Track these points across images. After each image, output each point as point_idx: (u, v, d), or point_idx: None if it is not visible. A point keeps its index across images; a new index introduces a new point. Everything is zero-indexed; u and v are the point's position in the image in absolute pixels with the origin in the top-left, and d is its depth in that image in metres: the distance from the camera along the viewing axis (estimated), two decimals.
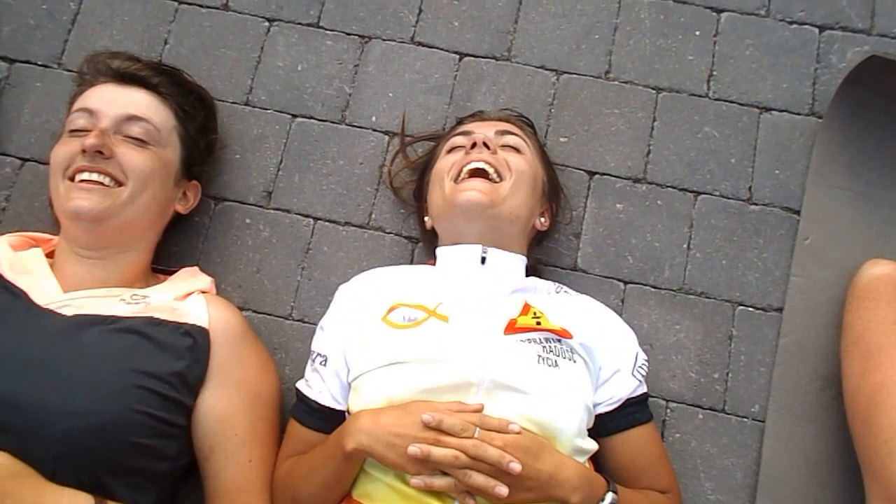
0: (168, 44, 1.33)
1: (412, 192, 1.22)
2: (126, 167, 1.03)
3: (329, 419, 1.01)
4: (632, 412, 1.01)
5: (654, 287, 1.18)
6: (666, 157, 1.24)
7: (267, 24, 1.34)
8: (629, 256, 1.20)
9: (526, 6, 1.33)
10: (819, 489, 1.08)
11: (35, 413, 0.85)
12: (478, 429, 0.86)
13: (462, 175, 1.04)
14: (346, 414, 1.01)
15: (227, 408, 1.00)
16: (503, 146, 1.09)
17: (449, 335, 0.97)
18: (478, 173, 1.04)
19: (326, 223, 1.24)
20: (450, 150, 1.12)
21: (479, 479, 0.84)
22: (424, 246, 1.21)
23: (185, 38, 1.33)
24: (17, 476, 0.82)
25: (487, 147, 1.05)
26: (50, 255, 1.08)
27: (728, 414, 1.13)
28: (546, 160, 1.16)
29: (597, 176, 1.24)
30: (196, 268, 1.16)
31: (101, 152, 1.01)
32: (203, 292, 1.08)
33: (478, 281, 1.03)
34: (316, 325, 1.16)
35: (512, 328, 0.98)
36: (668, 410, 1.14)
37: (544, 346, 0.96)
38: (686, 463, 1.11)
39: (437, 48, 1.32)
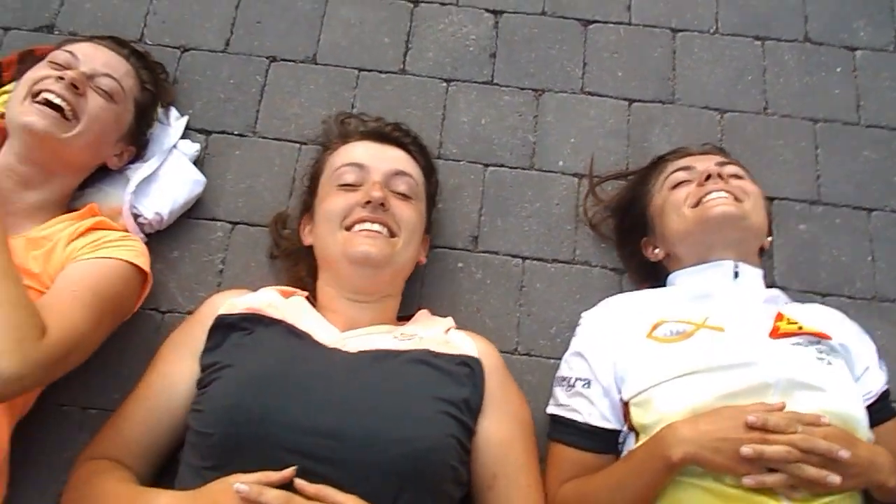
0: (355, 107, 1.42)
1: (617, 231, 1.30)
2: (399, 219, 1.11)
3: (603, 439, 1.07)
4: (884, 406, 1.07)
5: (850, 297, 1.28)
6: (834, 179, 1.37)
7: (445, 84, 1.45)
8: (821, 271, 1.30)
9: (680, 55, 1.47)
10: None
11: (362, 443, 0.90)
12: (801, 427, 0.91)
13: (703, 201, 1.13)
14: (625, 430, 1.06)
15: (505, 435, 1.04)
16: (729, 175, 1.16)
17: (730, 342, 1.04)
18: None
19: (534, 261, 1.31)
20: (674, 186, 1.19)
21: (811, 471, 0.89)
22: (633, 278, 1.29)
23: (370, 101, 1.42)
24: None
25: (720, 177, 1.14)
26: None
27: None
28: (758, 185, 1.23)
29: (776, 201, 1.35)
30: (427, 310, 1.21)
31: (382, 204, 1.08)
32: (454, 328, 1.14)
33: (734, 293, 1.11)
34: (541, 357, 1.24)
35: (776, 333, 1.05)
36: None
37: (816, 348, 1.04)
38: None
39: (607, 96, 1.44)
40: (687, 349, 1.04)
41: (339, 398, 0.94)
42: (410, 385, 0.99)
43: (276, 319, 1.06)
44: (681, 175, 1.19)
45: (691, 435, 0.93)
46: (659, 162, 1.27)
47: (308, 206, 1.21)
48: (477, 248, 1.32)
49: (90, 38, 1.26)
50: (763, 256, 1.23)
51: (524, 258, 1.31)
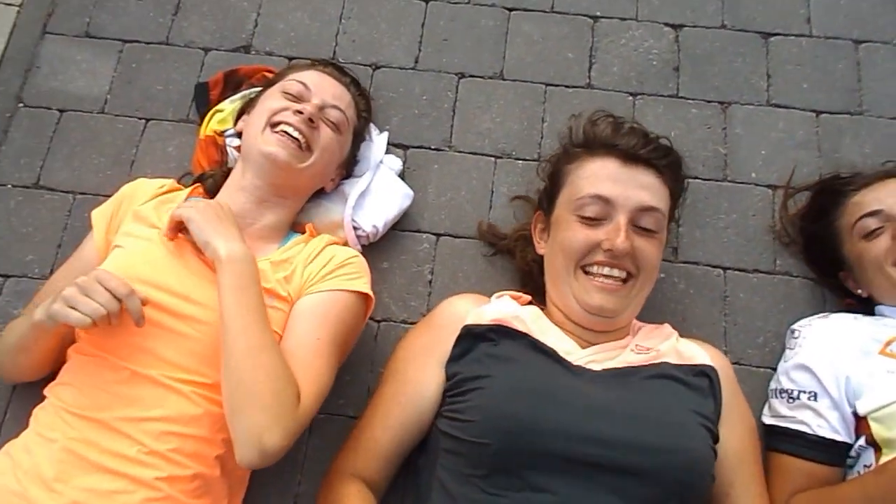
0: (545, 122, 1.46)
1: (810, 262, 1.32)
2: (640, 260, 1.06)
3: (833, 451, 1.09)
4: None
5: None
6: None
7: (631, 98, 1.48)
8: None
9: (865, 66, 1.49)
10: None
11: (635, 449, 0.94)
12: None
13: None
14: (860, 444, 1.08)
15: (740, 444, 1.07)
16: None
17: None
18: None
19: (736, 272, 1.34)
20: (867, 236, 1.18)
21: None
22: (836, 293, 1.31)
23: (559, 115, 1.46)
24: None
25: None
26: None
27: None
28: None
29: None
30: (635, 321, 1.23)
31: (627, 253, 1.04)
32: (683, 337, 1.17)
33: None
34: (750, 366, 1.26)
35: None
36: None
37: None
38: None
39: (794, 108, 1.46)
40: None
41: (602, 408, 0.97)
42: (666, 397, 1.02)
43: (521, 332, 1.08)
44: (871, 223, 1.18)
45: None
46: (838, 195, 1.26)
47: (542, 208, 1.20)
48: (678, 259, 1.36)
49: (314, 65, 1.32)
50: None
51: (725, 268, 1.35)
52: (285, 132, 1.18)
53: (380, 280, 1.34)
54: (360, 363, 1.26)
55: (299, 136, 1.18)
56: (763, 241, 1.36)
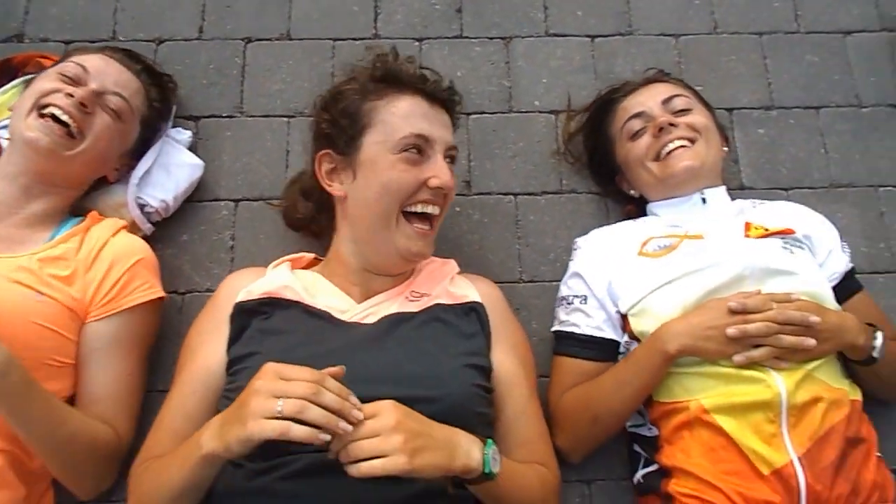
0: (334, 76, 1.47)
1: (592, 171, 1.40)
2: (449, 198, 1.13)
3: (600, 348, 1.18)
4: (849, 283, 1.21)
5: (811, 188, 1.42)
6: (784, 85, 1.49)
7: (417, 43, 1.52)
8: (782, 168, 1.43)
9: None
10: None
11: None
12: (774, 304, 1.04)
13: (662, 155, 1.23)
14: (626, 339, 1.17)
15: (511, 367, 1.10)
16: (676, 113, 1.25)
17: (708, 245, 1.16)
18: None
19: (526, 196, 1.41)
20: (632, 137, 1.27)
21: (789, 338, 1.02)
22: (618, 200, 1.40)
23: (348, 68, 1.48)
24: None
25: (672, 125, 1.22)
26: (307, 266, 1.20)
27: None
28: (701, 97, 1.34)
29: (735, 111, 1.47)
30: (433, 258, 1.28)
31: (441, 188, 1.07)
32: (456, 274, 1.21)
33: (706, 215, 1.23)
34: (544, 281, 1.34)
35: (747, 236, 1.18)
36: None
37: (781, 241, 1.17)
38: None
39: (571, 35, 1.53)
40: (674, 258, 1.16)
41: (364, 371, 0.95)
42: (429, 347, 1.03)
43: (293, 301, 1.08)
44: (636, 124, 1.27)
45: (684, 329, 1.05)
46: (610, 104, 1.34)
47: (335, 148, 1.12)
48: (471, 192, 1.41)
49: (102, 50, 1.26)
50: (724, 164, 1.34)
51: (516, 194, 1.41)
52: (53, 116, 1.13)
53: (180, 253, 1.34)
54: (166, 337, 1.26)
55: (69, 121, 1.13)
56: (549, 165, 1.43)
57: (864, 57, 1.51)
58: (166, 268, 1.27)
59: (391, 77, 1.11)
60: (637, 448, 1.16)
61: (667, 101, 1.27)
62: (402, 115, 1.08)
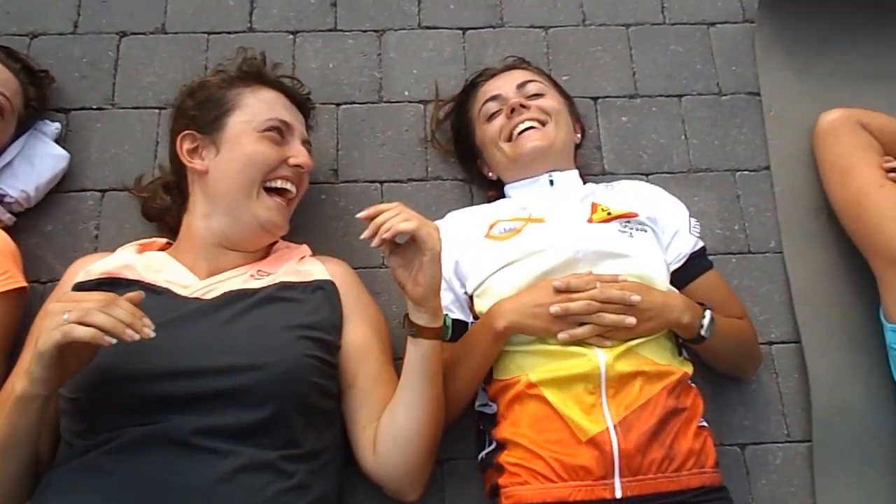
0: (207, 69, 1.49)
1: (457, 155, 1.43)
2: (303, 186, 1.24)
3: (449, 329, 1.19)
4: (697, 262, 1.25)
5: (670, 173, 1.46)
6: (648, 74, 1.54)
7: (292, 36, 1.54)
8: (643, 154, 1.47)
9: None
10: (837, 289, 1.36)
11: (236, 373, 0.97)
12: (598, 283, 1.08)
13: (514, 136, 1.26)
14: (472, 321, 1.20)
15: (364, 340, 1.14)
16: (529, 96, 1.30)
17: (549, 228, 1.20)
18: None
19: (392, 183, 1.43)
20: (489, 119, 1.31)
21: (610, 316, 1.06)
22: (481, 186, 1.42)
23: (222, 60, 1.49)
24: None
25: (523, 106, 1.27)
26: (160, 249, 1.22)
27: (753, 253, 1.41)
28: (558, 86, 1.39)
29: (600, 99, 1.51)
30: (284, 242, 1.28)
31: (300, 166, 1.19)
32: (308, 255, 1.24)
33: (552, 198, 1.26)
34: None
35: (590, 221, 1.21)
36: None
37: (621, 225, 1.20)
38: None
39: (443, 28, 1.56)
40: (517, 241, 1.19)
41: (195, 342, 1.00)
42: (264, 319, 1.06)
43: (132, 280, 1.09)
44: (491, 106, 1.31)
45: (512, 307, 1.09)
46: (472, 88, 1.39)
47: (198, 128, 1.18)
48: (338, 180, 1.43)
49: None
50: (578, 151, 1.39)
51: (382, 182, 1.43)
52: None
53: (44, 243, 1.35)
54: (27, 329, 1.25)
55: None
56: (416, 153, 1.46)
57: (726, 47, 1.56)
58: (29, 258, 1.28)
59: (257, 73, 1.25)
60: (482, 426, 1.18)
61: (521, 86, 1.31)
62: (267, 102, 1.20)
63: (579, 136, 1.37)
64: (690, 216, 1.30)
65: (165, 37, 1.52)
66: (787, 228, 1.41)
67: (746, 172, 1.46)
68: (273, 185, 1.17)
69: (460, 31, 1.56)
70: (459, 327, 1.20)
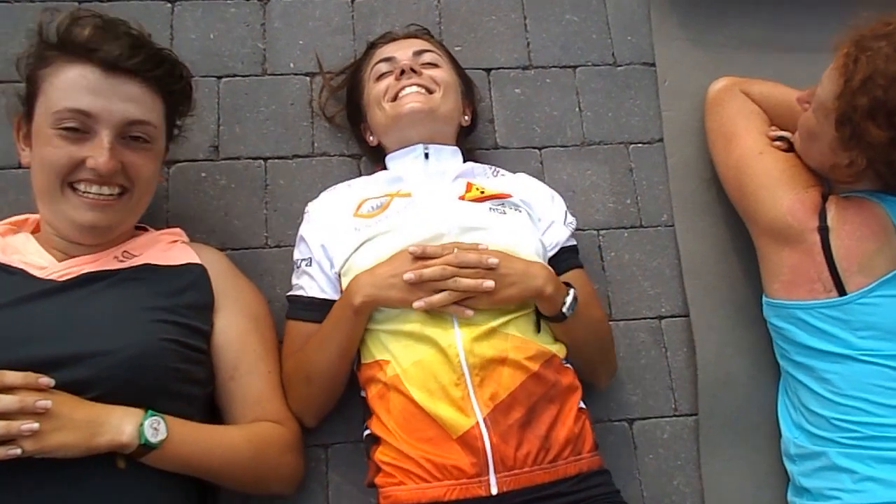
0: None
1: (346, 119, 1.38)
2: (132, 174, 1.04)
3: (323, 310, 1.14)
4: (567, 258, 1.21)
5: (563, 146, 1.43)
6: (542, 45, 1.50)
7: (170, 5, 1.46)
8: (536, 127, 1.44)
9: None
10: (726, 263, 1.36)
11: (77, 363, 0.91)
12: (456, 249, 1.04)
13: (399, 97, 1.21)
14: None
15: (240, 329, 1.10)
16: (423, 64, 1.25)
17: (415, 202, 1.16)
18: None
19: (276, 160, 1.37)
20: (378, 78, 1.26)
21: (467, 280, 1.01)
22: (369, 159, 1.38)
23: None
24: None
25: (414, 71, 1.22)
26: (34, 230, 1.13)
27: (645, 227, 1.39)
28: (457, 65, 1.35)
29: (493, 71, 1.47)
30: (153, 230, 1.21)
31: (112, 171, 1.00)
32: (181, 241, 1.18)
33: (425, 171, 1.22)
34: (290, 246, 1.31)
35: (462, 198, 1.17)
36: (601, 237, 1.38)
37: (493, 203, 1.17)
38: (625, 272, 1.36)
39: None
40: (382, 217, 1.15)
41: (42, 328, 0.94)
42: (118, 303, 1.00)
43: None
44: (382, 67, 1.26)
45: (368, 280, 1.04)
46: (369, 49, 1.35)
47: (24, 113, 1.07)
48: (219, 157, 1.37)
49: None
50: (465, 133, 1.34)
51: (265, 158, 1.37)
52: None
53: None
54: None
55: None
56: (302, 128, 1.40)
57: (621, 16, 1.53)
58: None
59: (62, 44, 1.02)
60: (364, 411, 1.15)
61: (418, 54, 1.27)
62: (62, 88, 1.01)
63: (468, 118, 1.32)
64: (570, 209, 1.27)
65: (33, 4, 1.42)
66: (678, 201, 1.40)
67: (640, 145, 1.44)
68: (77, 187, 1.02)
69: (348, 0, 1.50)
70: (326, 308, 1.15)
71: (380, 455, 1.05)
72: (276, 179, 1.36)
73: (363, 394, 1.13)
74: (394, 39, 1.33)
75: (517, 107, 1.45)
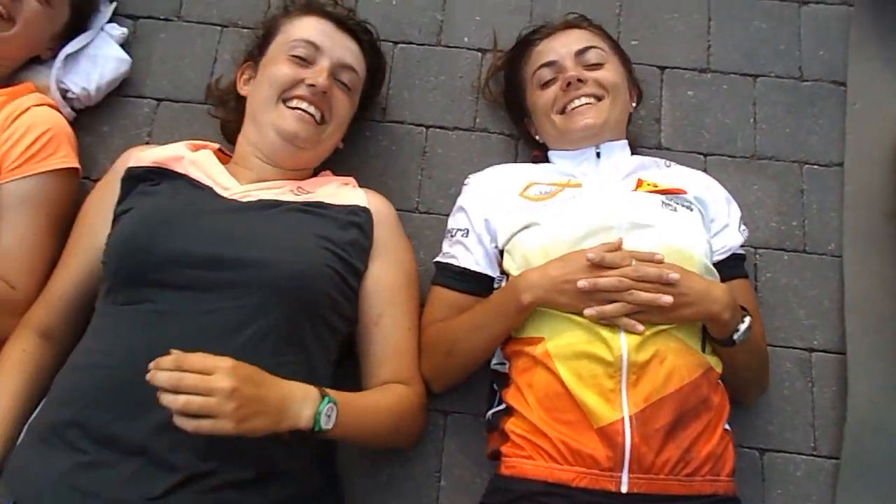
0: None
1: (507, 110, 1.38)
2: (334, 108, 1.19)
3: (474, 282, 1.17)
4: (734, 265, 1.16)
5: (731, 156, 1.37)
6: (724, 49, 1.44)
7: None
8: (705, 133, 1.39)
9: None
10: (894, 303, 1.25)
11: (249, 268, 1.00)
12: (634, 261, 1.01)
13: (568, 110, 1.20)
14: (499, 276, 1.17)
15: (393, 280, 1.14)
16: (588, 66, 1.22)
17: (586, 194, 1.15)
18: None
19: (437, 129, 1.40)
20: (542, 86, 1.24)
21: (644, 294, 0.98)
22: (527, 143, 1.38)
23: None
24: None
25: (580, 80, 1.19)
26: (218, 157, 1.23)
27: (809, 253, 1.31)
28: (619, 50, 1.31)
29: (667, 70, 1.43)
30: (330, 172, 1.30)
31: (324, 92, 1.15)
32: (352, 185, 1.24)
33: (596, 168, 1.20)
34: (440, 214, 1.34)
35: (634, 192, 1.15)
36: (758, 256, 1.31)
37: (666, 198, 1.14)
38: (778, 296, 1.28)
39: None
40: (551, 203, 1.15)
41: (222, 233, 1.04)
42: (292, 224, 1.08)
43: (179, 174, 1.14)
44: (546, 73, 1.24)
45: (539, 280, 1.03)
46: (527, 46, 1.31)
47: (252, 58, 1.26)
48: (385, 119, 1.41)
49: None
50: (632, 118, 1.31)
51: (427, 126, 1.41)
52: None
53: (97, 143, 1.39)
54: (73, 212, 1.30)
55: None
56: (466, 101, 1.42)
57: (816, 29, 1.44)
58: (82, 155, 1.32)
59: (308, 4, 1.26)
60: (494, 386, 1.15)
61: (580, 53, 1.23)
62: (300, 27, 1.21)
63: (634, 103, 1.30)
64: (742, 218, 1.22)
65: None
66: (851, 232, 1.30)
67: (816, 167, 1.36)
68: (290, 104, 1.16)
69: None
70: (483, 281, 1.17)
71: (511, 426, 1.05)
72: (435, 148, 1.39)
73: (500, 365, 1.13)
74: (551, 34, 1.29)
75: (688, 109, 1.40)
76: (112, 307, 1.02)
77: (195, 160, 1.18)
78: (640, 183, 1.18)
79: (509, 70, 1.36)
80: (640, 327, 0.99)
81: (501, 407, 1.11)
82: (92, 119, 1.39)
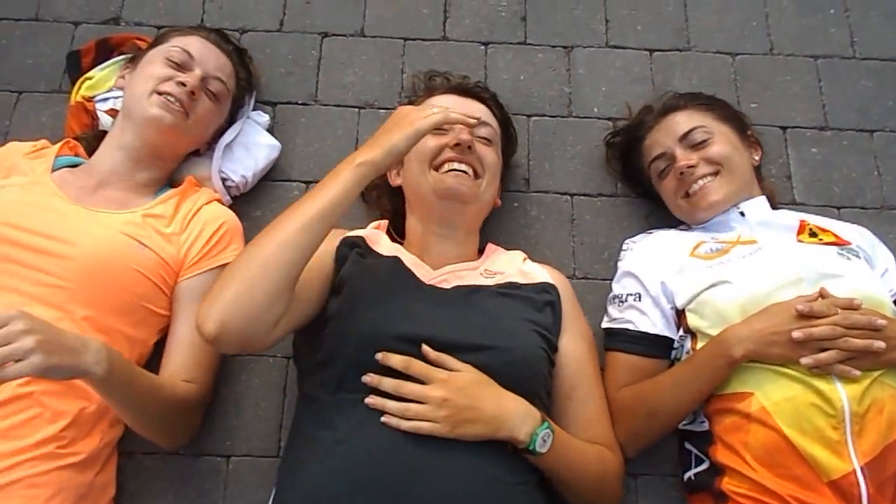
0: (404, 73, 1.56)
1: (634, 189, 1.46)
2: (483, 160, 1.24)
3: (654, 344, 1.21)
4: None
5: (862, 208, 1.45)
6: (838, 107, 1.54)
7: (483, 47, 1.59)
8: (834, 187, 1.47)
9: (691, 6, 1.63)
10: None
11: (478, 351, 1.03)
12: (839, 310, 1.06)
13: (690, 193, 1.29)
14: (680, 335, 1.21)
15: (581, 352, 1.18)
16: (695, 146, 1.28)
17: (765, 249, 1.20)
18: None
19: (582, 197, 1.47)
20: (660, 176, 1.33)
21: (858, 341, 1.03)
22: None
23: (418, 66, 1.54)
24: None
25: (691, 167, 1.27)
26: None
27: None
28: (721, 113, 1.34)
29: (789, 129, 1.52)
30: (494, 245, 1.35)
31: (469, 147, 1.22)
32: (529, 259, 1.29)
33: (750, 224, 1.27)
34: (597, 279, 1.39)
35: (800, 240, 1.22)
36: None
37: (836, 249, 1.20)
38: None
39: (630, 48, 1.59)
40: (728, 259, 1.20)
41: (446, 318, 1.07)
42: (502, 309, 1.12)
43: (385, 256, 1.19)
44: (659, 165, 1.34)
45: (748, 334, 1.07)
46: (634, 142, 1.39)
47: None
48: (530, 189, 1.47)
49: (196, 30, 1.37)
50: (762, 175, 1.38)
51: (572, 195, 1.47)
52: (168, 96, 1.24)
53: (252, 227, 1.39)
54: None
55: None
56: (605, 169, 1.49)
57: None
58: None
59: (429, 87, 1.40)
60: (689, 446, 1.18)
61: (684, 137, 1.30)
62: (434, 101, 1.28)
63: (757, 158, 1.36)
64: None
65: (364, 39, 1.59)
66: None
67: None
68: (442, 170, 1.21)
69: (647, 52, 1.59)
70: (663, 343, 1.22)
71: (729, 485, 1.07)
72: (583, 215, 1.45)
73: (694, 424, 1.16)
74: (652, 127, 1.36)
75: (814, 166, 1.49)
76: (344, 395, 1.02)
77: (389, 247, 1.22)
78: (802, 225, 1.24)
79: (627, 163, 1.44)
80: (857, 372, 1.03)
81: (703, 467, 1.14)
82: (245, 205, 1.42)
